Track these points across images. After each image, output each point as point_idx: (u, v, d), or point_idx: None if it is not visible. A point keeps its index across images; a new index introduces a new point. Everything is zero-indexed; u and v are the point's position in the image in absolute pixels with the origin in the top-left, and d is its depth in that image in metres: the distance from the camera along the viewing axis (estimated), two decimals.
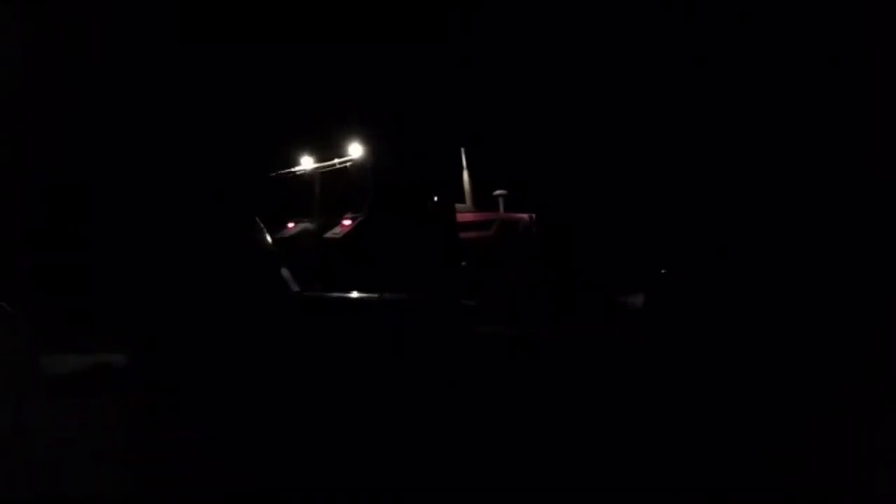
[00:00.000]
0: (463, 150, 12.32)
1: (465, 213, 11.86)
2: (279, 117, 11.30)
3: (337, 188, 10.72)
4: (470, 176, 12.49)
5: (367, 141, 9.91)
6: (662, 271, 9.19)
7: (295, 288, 9.42)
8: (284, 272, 9.50)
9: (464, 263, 11.60)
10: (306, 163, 10.74)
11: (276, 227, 10.97)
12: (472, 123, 12.74)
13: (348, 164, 10.01)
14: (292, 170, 10.76)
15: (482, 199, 12.97)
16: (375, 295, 8.00)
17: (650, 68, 13.46)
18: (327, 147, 10.63)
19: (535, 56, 14.28)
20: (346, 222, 9.51)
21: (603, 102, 14.41)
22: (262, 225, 9.19)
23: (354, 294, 8.29)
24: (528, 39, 13.76)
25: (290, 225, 10.77)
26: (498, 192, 13.17)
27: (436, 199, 10.11)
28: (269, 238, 9.20)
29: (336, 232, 9.42)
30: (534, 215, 13.23)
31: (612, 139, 14.62)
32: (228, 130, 11.23)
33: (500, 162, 13.88)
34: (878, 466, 3.95)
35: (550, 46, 14.02)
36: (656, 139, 14.17)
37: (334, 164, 10.09)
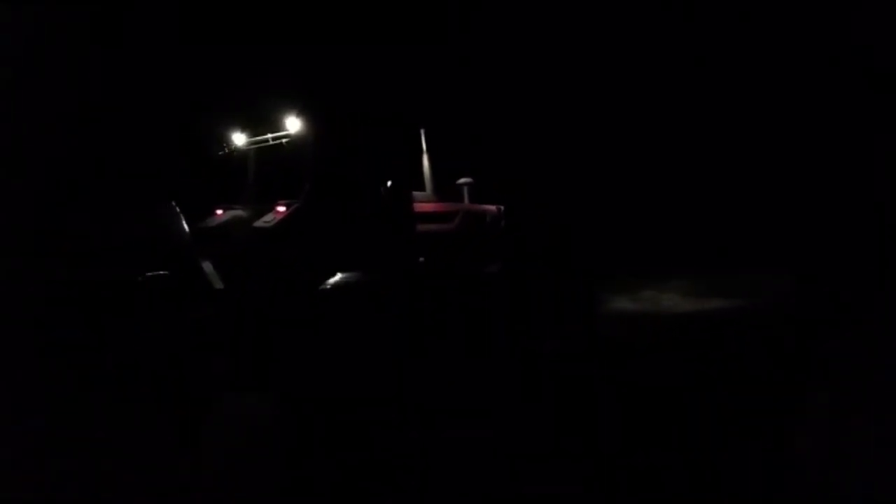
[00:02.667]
0: (423, 131, 10.85)
1: (423, 203, 10.44)
2: (210, 90, 9.81)
3: (275, 170, 9.28)
4: (431, 161, 11.02)
5: (308, 114, 8.40)
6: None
7: (219, 285, 8.04)
8: (206, 266, 8.09)
9: (421, 259, 10.22)
10: (238, 140, 9.23)
11: (206, 214, 9.55)
12: (435, 102, 11.34)
13: (284, 140, 8.52)
14: (226, 149, 9.20)
15: (445, 187, 11.59)
16: None
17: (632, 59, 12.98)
18: (264, 122, 9.12)
19: (506, 33, 13.16)
20: (281, 209, 8.03)
21: (582, 91, 13.65)
22: (178, 211, 7.78)
23: None
24: (493, 17, 12.63)
25: (219, 212, 9.26)
26: (463, 180, 11.75)
27: (389, 184, 8.66)
28: (186, 227, 7.77)
29: (267, 220, 7.93)
30: (502, 207, 11.91)
31: (593, 131, 13.86)
32: (144, 105, 9.77)
33: (466, 147, 12.59)
34: None
35: (518, 26, 12.96)
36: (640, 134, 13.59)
37: (267, 140, 8.57)
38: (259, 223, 7.90)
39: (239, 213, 8.91)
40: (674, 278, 12.30)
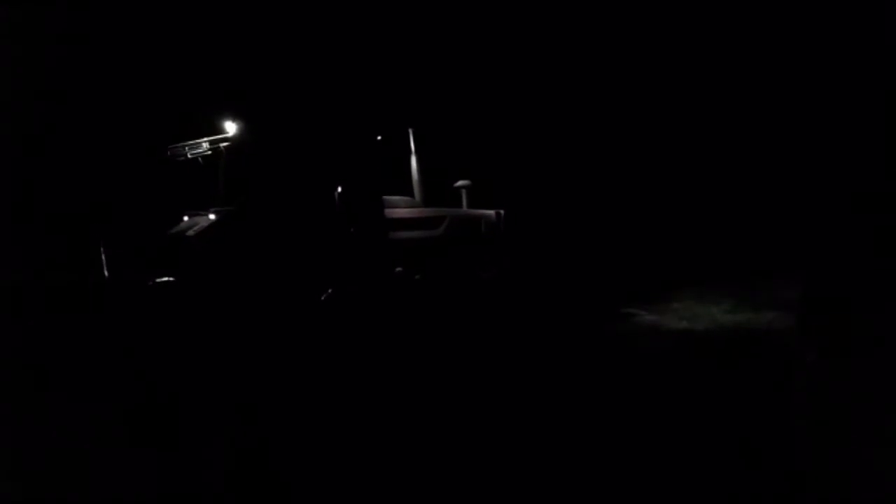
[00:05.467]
0: (412, 131, 10.19)
1: (405, 208, 9.80)
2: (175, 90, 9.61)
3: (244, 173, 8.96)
4: (422, 164, 10.33)
5: (249, 114, 7.97)
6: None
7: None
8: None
9: (399, 269, 9.60)
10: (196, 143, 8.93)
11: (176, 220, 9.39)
12: (424, 95, 10.63)
13: (221, 145, 8.13)
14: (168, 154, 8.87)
15: (442, 190, 10.86)
16: None
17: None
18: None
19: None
20: (211, 217, 7.66)
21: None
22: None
23: None
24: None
25: (185, 219, 9.06)
26: (460, 182, 11.01)
27: (339, 189, 8.10)
28: None
29: (195, 229, 7.58)
30: (502, 212, 11.04)
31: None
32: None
33: (467, 148, 11.82)
34: None
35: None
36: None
37: (199, 145, 8.18)
38: (190, 232, 7.56)
39: (198, 219, 8.63)
40: (708, 287, 11.09)
